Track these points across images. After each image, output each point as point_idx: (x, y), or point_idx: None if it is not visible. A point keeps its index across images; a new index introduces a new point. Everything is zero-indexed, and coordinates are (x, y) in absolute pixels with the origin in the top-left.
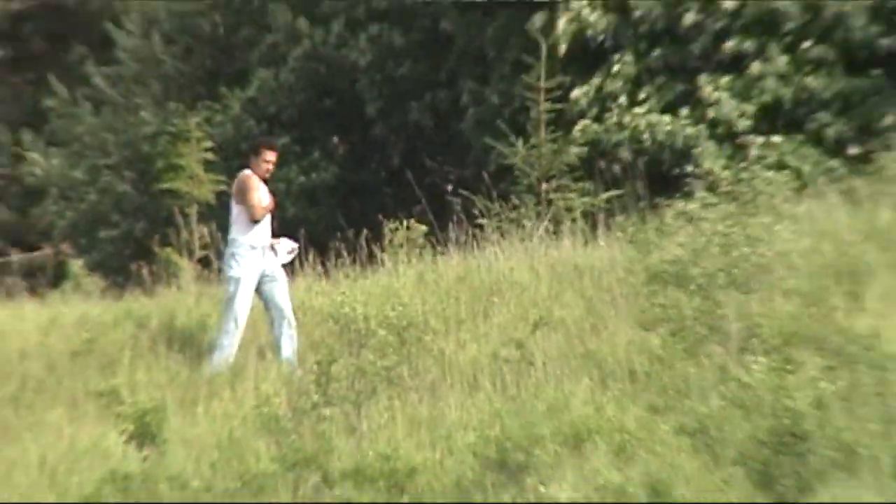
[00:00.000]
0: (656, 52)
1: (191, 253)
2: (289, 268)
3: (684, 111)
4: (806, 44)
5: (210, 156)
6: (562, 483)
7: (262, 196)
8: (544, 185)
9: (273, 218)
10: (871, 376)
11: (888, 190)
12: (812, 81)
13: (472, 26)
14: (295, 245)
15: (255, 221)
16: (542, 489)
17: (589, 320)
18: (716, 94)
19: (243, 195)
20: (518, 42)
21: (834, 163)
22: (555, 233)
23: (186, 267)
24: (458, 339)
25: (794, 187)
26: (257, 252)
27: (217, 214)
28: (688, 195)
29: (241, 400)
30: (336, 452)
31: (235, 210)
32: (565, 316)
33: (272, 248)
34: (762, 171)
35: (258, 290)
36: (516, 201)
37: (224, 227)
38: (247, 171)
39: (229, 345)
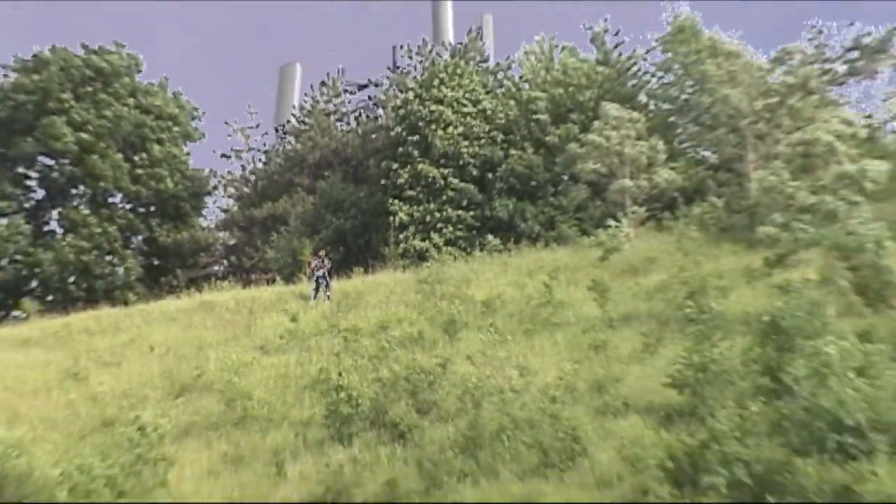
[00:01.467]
0: (420, 226)
1: (307, 275)
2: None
3: (427, 241)
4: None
5: (309, 251)
6: (395, 332)
7: (311, 264)
8: (395, 260)
9: (330, 265)
10: (472, 306)
11: (487, 259)
12: (459, 236)
13: (373, 218)
14: (329, 265)
15: (308, 267)
16: (391, 333)
17: (405, 293)
18: (434, 237)
19: (305, 263)
20: (386, 223)
21: (478, 254)
22: (394, 270)
23: (305, 279)
24: (370, 297)
25: (455, 260)
26: (316, 273)
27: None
28: (429, 262)
29: (318, 310)
30: (343, 323)
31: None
32: (398, 291)
33: (327, 270)
34: (448, 256)
35: (317, 282)
36: (387, 263)
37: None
38: (311, 258)
39: (312, 297)
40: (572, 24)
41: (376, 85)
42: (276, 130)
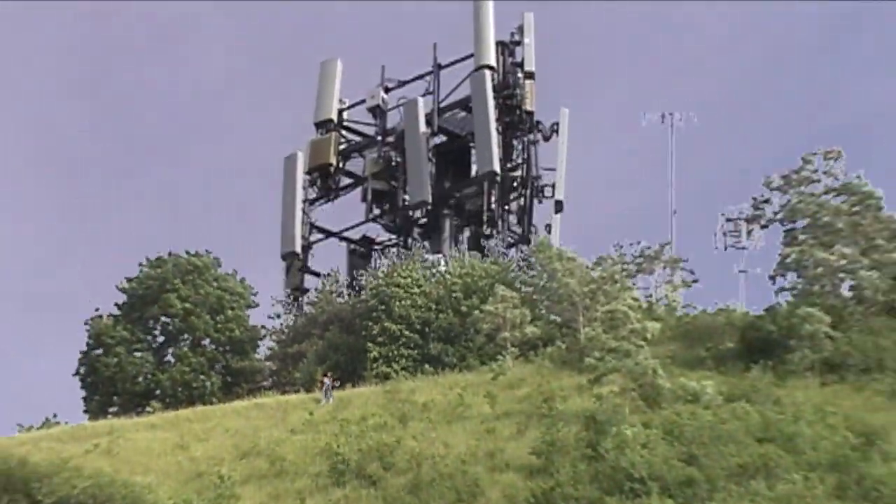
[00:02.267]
0: (385, 359)
1: (319, 388)
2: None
3: (389, 368)
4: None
5: (320, 374)
6: (370, 421)
7: (322, 382)
8: (371, 380)
9: (338, 383)
10: (416, 406)
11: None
12: (408, 365)
13: (357, 354)
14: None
15: (320, 384)
16: (367, 422)
17: (377, 399)
18: (394, 366)
19: (318, 381)
20: (365, 357)
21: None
22: (370, 386)
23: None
24: (356, 401)
25: (406, 380)
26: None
27: None
28: (391, 381)
29: (326, 409)
30: (339, 416)
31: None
32: (372, 398)
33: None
34: (402, 378)
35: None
36: (366, 382)
37: None
38: (321, 378)
39: (323, 401)
40: (613, 21)
41: (420, 77)
42: (316, 127)
